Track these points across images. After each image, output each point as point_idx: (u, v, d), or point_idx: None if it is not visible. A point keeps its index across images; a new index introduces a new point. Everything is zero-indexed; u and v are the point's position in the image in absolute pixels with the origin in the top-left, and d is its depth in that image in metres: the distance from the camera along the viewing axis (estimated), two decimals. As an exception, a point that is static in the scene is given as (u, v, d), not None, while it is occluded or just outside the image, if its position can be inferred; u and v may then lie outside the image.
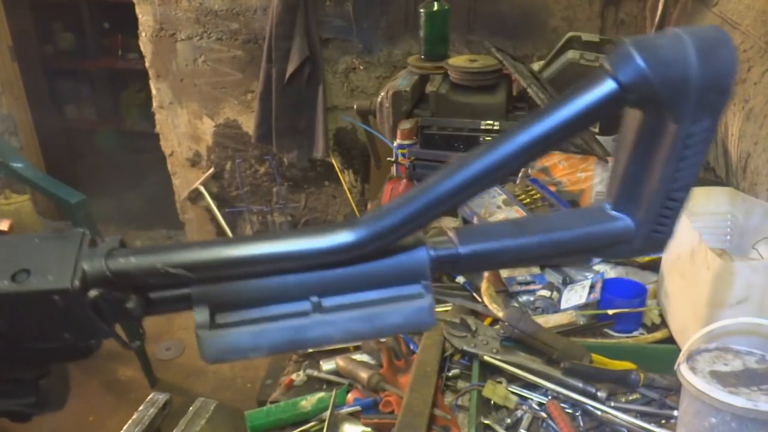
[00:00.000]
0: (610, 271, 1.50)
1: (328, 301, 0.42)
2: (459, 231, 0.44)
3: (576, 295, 1.38)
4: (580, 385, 1.18)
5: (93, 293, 0.40)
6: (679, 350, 1.09)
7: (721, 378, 1.00)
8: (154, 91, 3.39)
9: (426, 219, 0.41)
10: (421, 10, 2.15)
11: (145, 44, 3.27)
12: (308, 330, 0.42)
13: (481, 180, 0.41)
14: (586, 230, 0.44)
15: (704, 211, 1.36)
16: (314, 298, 0.42)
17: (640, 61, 0.36)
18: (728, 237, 1.40)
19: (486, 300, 1.44)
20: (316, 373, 1.32)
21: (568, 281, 1.46)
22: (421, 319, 0.43)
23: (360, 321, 0.42)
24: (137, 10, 3.19)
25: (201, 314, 0.41)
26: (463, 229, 0.45)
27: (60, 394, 0.46)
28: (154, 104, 3.43)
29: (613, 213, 0.44)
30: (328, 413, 1.18)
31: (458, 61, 1.98)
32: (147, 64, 3.32)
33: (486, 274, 1.52)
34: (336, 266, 0.42)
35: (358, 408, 1.20)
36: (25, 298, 0.39)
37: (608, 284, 1.40)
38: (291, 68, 2.89)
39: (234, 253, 0.40)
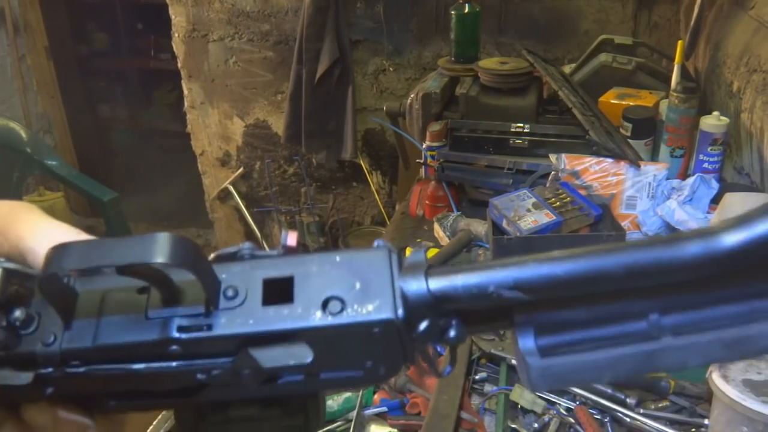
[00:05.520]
0: (641, 277, 1.48)
1: (673, 319, 0.35)
2: None
3: (606, 300, 1.37)
4: (609, 391, 1.17)
5: (423, 325, 0.35)
6: (711, 358, 1.07)
7: (755, 387, 0.98)
8: (185, 91, 3.42)
9: None
10: (452, 12, 2.15)
11: (177, 45, 3.30)
12: (661, 357, 0.34)
13: None
14: None
15: (738, 217, 1.34)
16: (654, 316, 0.35)
17: None
18: (763, 244, 1.37)
19: (514, 303, 1.43)
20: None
21: (597, 286, 1.45)
22: None
23: (722, 347, 0.34)
24: (170, 11, 3.23)
25: (526, 339, 0.35)
26: None
27: (321, 413, 0.41)
28: (186, 104, 3.47)
29: None
30: (354, 413, 1.18)
31: (489, 63, 1.98)
32: (179, 65, 3.36)
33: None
34: (700, 278, 0.33)
35: (384, 409, 1.21)
36: (339, 331, 0.34)
37: (639, 290, 1.38)
38: (321, 69, 2.90)
39: (584, 268, 0.33)
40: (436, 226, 1.78)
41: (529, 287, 0.34)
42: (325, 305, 0.34)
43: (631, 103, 1.93)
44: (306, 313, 0.34)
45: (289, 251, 0.37)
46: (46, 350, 0.34)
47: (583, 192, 1.63)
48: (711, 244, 0.32)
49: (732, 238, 0.31)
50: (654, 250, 0.33)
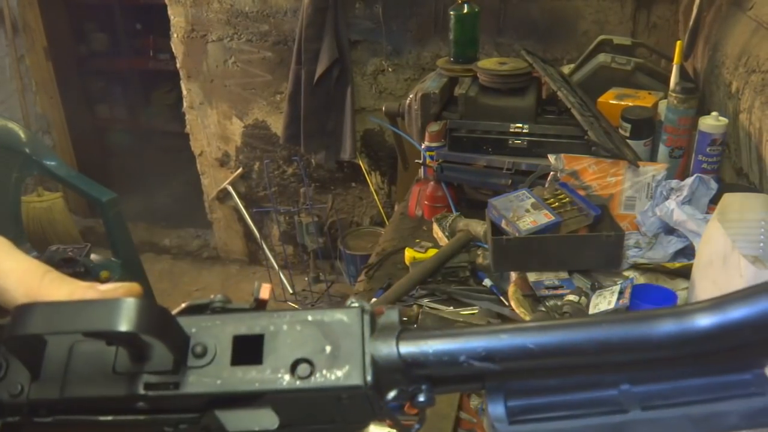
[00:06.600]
0: (640, 277, 1.48)
1: (642, 390, 0.35)
2: None
3: (605, 301, 1.37)
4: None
5: (392, 394, 0.35)
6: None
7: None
8: (184, 92, 3.42)
9: None
10: (451, 13, 2.15)
11: (176, 45, 3.31)
12: (628, 430, 0.34)
13: None
14: None
15: (737, 218, 1.34)
16: (625, 386, 0.35)
17: None
18: (761, 244, 1.37)
19: (513, 304, 1.43)
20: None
21: (596, 286, 1.45)
22: (762, 422, 0.34)
23: (691, 423, 0.34)
24: (169, 12, 3.23)
25: (496, 405, 0.35)
26: None
27: None
28: (185, 104, 3.47)
29: None
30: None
31: (487, 63, 1.98)
32: (178, 65, 3.36)
33: (513, 277, 1.51)
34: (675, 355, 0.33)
35: (383, 409, 1.20)
36: (307, 394, 0.34)
37: (638, 290, 1.38)
38: (320, 70, 2.91)
39: (556, 341, 0.34)
40: (435, 226, 1.78)
41: (500, 358, 0.34)
42: (294, 368, 0.35)
43: (630, 104, 1.93)
44: (274, 375, 0.35)
45: (260, 304, 0.38)
46: (12, 401, 0.35)
47: (581, 192, 1.63)
48: (684, 325, 0.32)
49: (706, 321, 0.32)
50: (627, 327, 0.33)
